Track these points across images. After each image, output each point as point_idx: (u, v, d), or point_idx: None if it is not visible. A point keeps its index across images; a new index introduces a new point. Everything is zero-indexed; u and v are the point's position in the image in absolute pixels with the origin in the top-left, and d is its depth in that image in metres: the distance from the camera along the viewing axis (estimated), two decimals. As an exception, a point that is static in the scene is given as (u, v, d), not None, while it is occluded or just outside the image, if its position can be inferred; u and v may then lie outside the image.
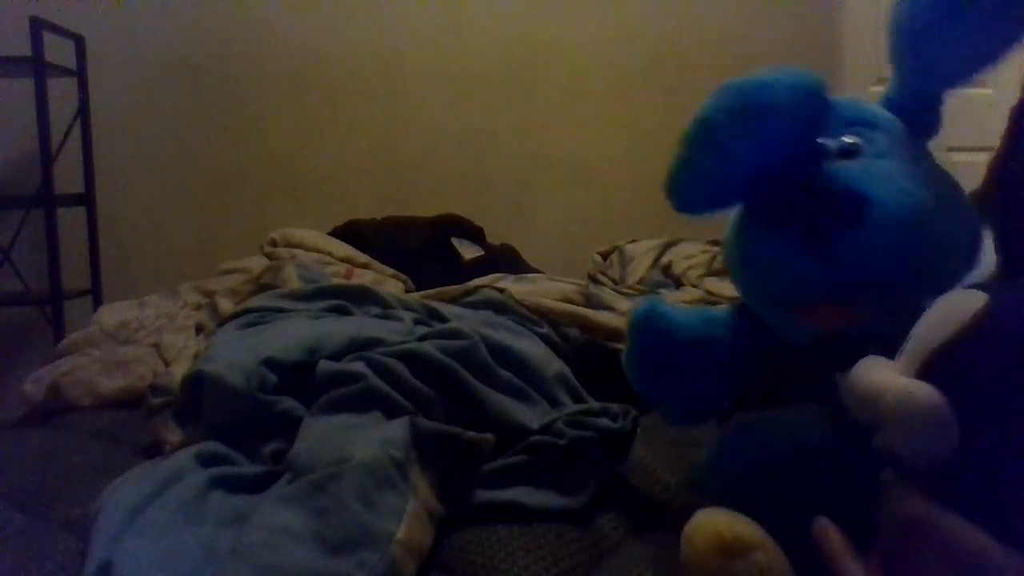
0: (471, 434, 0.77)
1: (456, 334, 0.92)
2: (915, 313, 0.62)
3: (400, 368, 0.84)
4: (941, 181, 0.66)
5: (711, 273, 1.56)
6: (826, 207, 0.62)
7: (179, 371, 1.03)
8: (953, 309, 0.47)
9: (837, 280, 0.62)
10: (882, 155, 0.64)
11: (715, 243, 1.64)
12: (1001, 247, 0.64)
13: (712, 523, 0.57)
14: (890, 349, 0.56)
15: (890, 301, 0.62)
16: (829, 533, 0.51)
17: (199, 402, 0.86)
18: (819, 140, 0.64)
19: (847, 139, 0.64)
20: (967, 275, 0.68)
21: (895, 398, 0.45)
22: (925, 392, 0.44)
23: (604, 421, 0.82)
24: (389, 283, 1.56)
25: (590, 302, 1.22)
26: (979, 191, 0.82)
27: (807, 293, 0.64)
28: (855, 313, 0.63)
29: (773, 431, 0.68)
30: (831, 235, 0.61)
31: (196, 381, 0.86)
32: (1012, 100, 0.79)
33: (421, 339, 0.93)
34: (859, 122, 0.66)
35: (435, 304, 1.16)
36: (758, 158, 0.62)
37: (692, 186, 0.65)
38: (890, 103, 0.69)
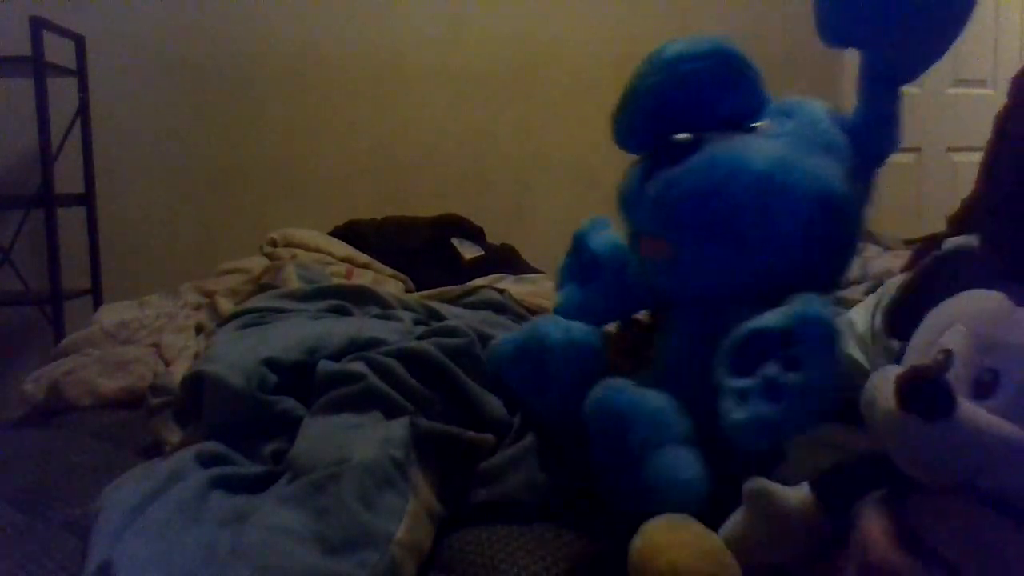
0: (471, 434, 0.77)
1: (453, 332, 0.92)
2: (739, 273, 0.69)
3: (399, 368, 0.84)
4: (813, 178, 0.68)
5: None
6: (665, 150, 0.70)
7: (179, 371, 1.03)
8: None
9: (648, 211, 0.70)
10: (774, 136, 0.71)
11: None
12: (990, 252, 0.63)
13: (655, 560, 0.54)
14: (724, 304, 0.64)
15: (693, 241, 0.69)
16: (874, 524, 0.49)
17: (199, 402, 0.86)
18: (752, 124, 0.72)
19: (763, 122, 0.73)
20: (832, 267, 0.74)
21: None
22: None
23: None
24: (389, 283, 1.56)
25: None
26: (970, 197, 0.82)
27: (634, 223, 0.74)
28: (665, 247, 0.70)
29: (552, 335, 0.76)
30: (658, 172, 0.69)
31: (196, 381, 0.86)
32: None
33: (419, 338, 0.93)
34: (783, 113, 0.74)
35: (435, 304, 1.16)
36: (661, 110, 0.71)
37: (621, 127, 0.75)
38: (852, 121, 0.73)
